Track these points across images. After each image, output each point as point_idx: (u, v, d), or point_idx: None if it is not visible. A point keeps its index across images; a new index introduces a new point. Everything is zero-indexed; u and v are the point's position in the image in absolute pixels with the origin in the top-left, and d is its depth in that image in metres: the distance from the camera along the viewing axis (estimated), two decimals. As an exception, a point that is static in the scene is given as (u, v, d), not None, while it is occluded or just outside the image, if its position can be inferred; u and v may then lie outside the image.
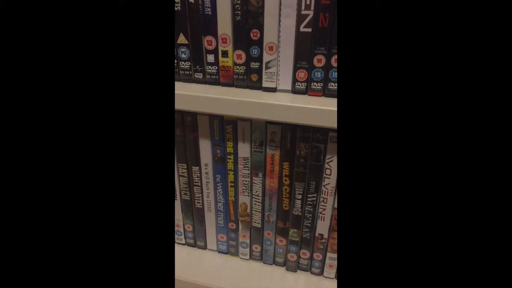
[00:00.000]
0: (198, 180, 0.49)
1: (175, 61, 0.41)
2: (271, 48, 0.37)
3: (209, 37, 0.38)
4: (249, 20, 0.36)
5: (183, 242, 0.56)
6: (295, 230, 0.48)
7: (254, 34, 0.37)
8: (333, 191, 0.43)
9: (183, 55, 0.40)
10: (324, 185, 0.43)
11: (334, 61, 0.36)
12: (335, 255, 0.48)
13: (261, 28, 0.36)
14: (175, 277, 0.51)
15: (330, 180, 0.42)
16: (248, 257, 0.53)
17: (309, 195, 0.44)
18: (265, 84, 0.39)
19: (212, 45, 0.39)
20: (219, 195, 0.49)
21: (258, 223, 0.49)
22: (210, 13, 0.37)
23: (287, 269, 0.52)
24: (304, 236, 0.48)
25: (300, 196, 0.45)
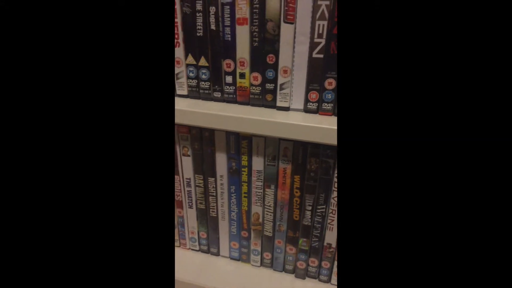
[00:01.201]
0: (213, 190, 0.52)
1: (196, 81, 0.44)
2: (285, 72, 0.40)
3: (228, 60, 0.42)
4: (265, 46, 0.39)
5: (197, 248, 0.59)
6: (305, 239, 0.50)
7: (270, 59, 0.40)
8: (341, 203, 0.46)
9: (203, 76, 0.44)
10: (332, 198, 0.46)
11: (343, 85, 0.39)
12: (343, 264, 0.50)
13: (276, 53, 0.39)
14: (188, 282, 0.54)
15: (339, 193, 0.45)
16: (259, 264, 0.56)
17: (319, 207, 0.47)
18: (279, 103, 0.42)
19: (230, 67, 0.42)
20: (232, 205, 0.52)
21: (270, 232, 0.52)
22: (230, 39, 0.40)
23: (296, 276, 0.54)
24: (313, 245, 0.50)
25: (310, 208, 0.47)
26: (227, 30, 0.40)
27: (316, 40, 0.37)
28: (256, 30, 0.39)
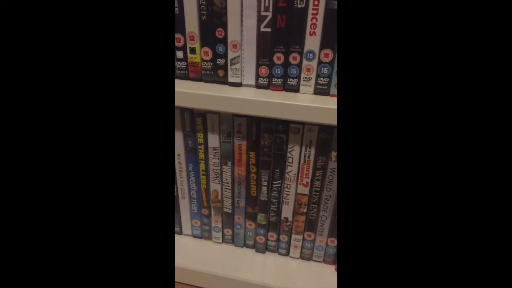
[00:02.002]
0: (171, 169, 0.52)
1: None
2: (235, 46, 0.40)
3: (177, 35, 0.41)
4: (214, 20, 0.39)
5: (160, 228, 0.59)
6: (263, 215, 0.51)
7: (219, 33, 0.39)
8: (295, 178, 0.47)
9: (153, 51, 0.43)
10: (287, 173, 0.47)
11: (292, 59, 0.39)
12: (299, 237, 0.52)
13: (225, 27, 0.39)
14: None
15: (292, 168, 0.46)
16: (220, 240, 0.57)
17: (274, 182, 0.48)
18: (230, 79, 0.42)
19: (180, 42, 0.41)
20: (192, 183, 0.52)
21: (229, 208, 0.53)
22: (178, 12, 0.39)
23: (256, 251, 0.56)
24: (271, 220, 0.52)
25: (266, 183, 0.48)
26: (175, 3, 0.39)
27: (263, 13, 0.37)
28: (204, 3, 0.38)
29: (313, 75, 0.39)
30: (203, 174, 0.51)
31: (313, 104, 0.38)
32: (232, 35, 0.39)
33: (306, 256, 0.54)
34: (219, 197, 0.52)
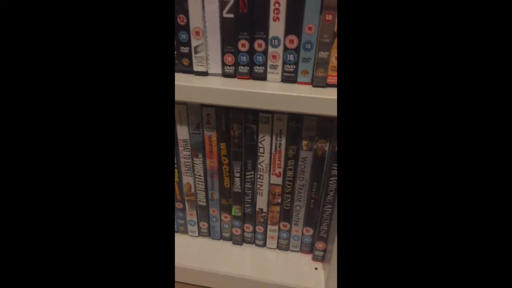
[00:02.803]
0: (142, 163, 0.50)
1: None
2: (197, 33, 0.38)
3: (138, 23, 0.39)
4: (175, 6, 0.37)
5: (135, 223, 0.58)
6: (238, 206, 0.51)
7: (181, 19, 0.38)
8: (268, 168, 0.46)
9: (114, 41, 0.41)
10: (259, 163, 0.46)
11: (257, 46, 0.38)
12: (275, 227, 0.52)
13: (186, 13, 0.37)
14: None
15: (264, 158, 0.45)
16: (197, 234, 0.56)
17: (247, 173, 0.47)
18: (196, 68, 0.40)
19: (141, 30, 0.39)
20: (164, 177, 0.51)
21: (203, 201, 0.52)
22: (136, -2, 0.37)
23: (233, 243, 0.55)
24: (246, 211, 0.51)
25: (238, 174, 0.47)
26: (132, -12, 0.37)
27: (225, -2, 0.35)
28: (163, -12, 0.36)
29: (279, 63, 0.38)
30: (174, 167, 0.49)
31: (281, 92, 0.37)
32: (194, 21, 0.37)
33: (283, 246, 0.53)
34: (193, 190, 0.51)
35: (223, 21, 0.37)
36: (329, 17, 0.34)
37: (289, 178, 0.46)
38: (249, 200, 0.50)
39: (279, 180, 0.47)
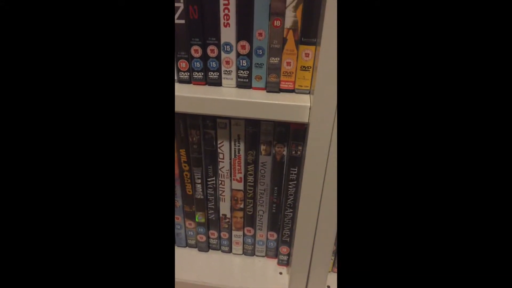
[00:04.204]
0: (102, 171, 0.49)
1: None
2: (150, 39, 0.38)
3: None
4: (125, 12, 0.37)
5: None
6: (201, 213, 0.50)
7: (132, 26, 0.37)
8: (229, 174, 0.46)
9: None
10: (220, 169, 0.46)
11: (210, 52, 0.38)
12: (239, 233, 0.51)
13: (138, 19, 0.37)
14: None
15: (224, 164, 0.45)
16: (162, 242, 0.55)
17: (209, 179, 0.47)
18: (151, 74, 0.40)
19: (93, 36, 0.39)
20: (125, 185, 0.50)
21: (166, 209, 0.51)
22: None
23: (199, 250, 0.54)
24: (209, 217, 0.51)
25: (200, 181, 0.47)
26: (81, -6, 0.36)
27: (176, 4, 0.35)
28: (112, -6, 0.36)
29: (233, 68, 0.38)
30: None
31: (235, 98, 0.37)
32: (146, 27, 0.37)
33: (248, 251, 0.53)
34: (155, 197, 0.50)
35: (175, 27, 0.37)
36: (277, 23, 0.34)
37: (250, 183, 0.46)
38: (212, 206, 0.49)
39: (240, 186, 0.47)
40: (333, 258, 0.51)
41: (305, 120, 0.36)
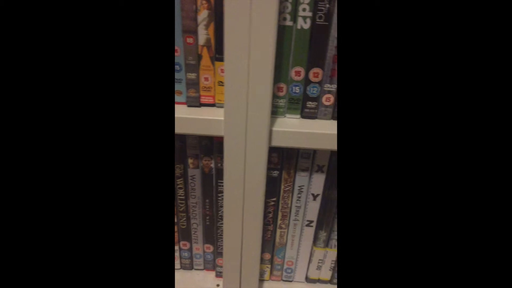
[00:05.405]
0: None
1: None
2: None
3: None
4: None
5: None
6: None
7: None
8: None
9: None
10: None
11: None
12: (176, 247, 0.51)
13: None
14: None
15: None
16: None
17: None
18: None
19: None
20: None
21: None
22: None
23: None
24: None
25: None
26: None
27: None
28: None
29: (153, 83, 0.39)
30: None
31: (157, 112, 0.38)
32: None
33: (186, 265, 0.53)
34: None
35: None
36: (190, 40, 0.35)
37: (181, 197, 0.46)
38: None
39: (172, 199, 0.47)
40: (269, 267, 0.52)
41: (221, 133, 0.37)
